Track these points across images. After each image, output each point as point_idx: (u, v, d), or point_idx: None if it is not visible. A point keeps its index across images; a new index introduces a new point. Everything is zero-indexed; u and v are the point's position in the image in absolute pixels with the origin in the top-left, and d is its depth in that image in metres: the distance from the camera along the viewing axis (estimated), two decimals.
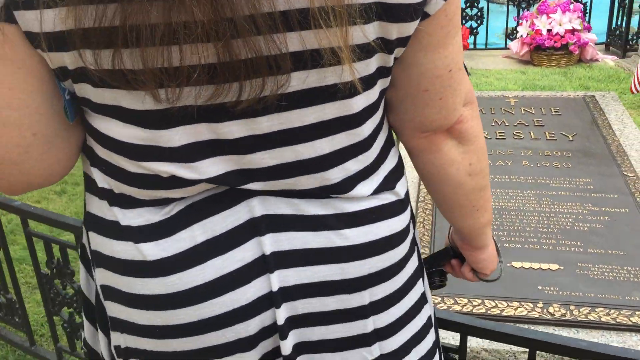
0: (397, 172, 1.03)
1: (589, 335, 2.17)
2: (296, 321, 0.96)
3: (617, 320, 2.19)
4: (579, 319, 2.21)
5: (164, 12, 0.73)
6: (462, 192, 1.07)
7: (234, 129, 0.86)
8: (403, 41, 0.85)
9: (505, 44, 5.92)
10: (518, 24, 5.68)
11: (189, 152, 0.87)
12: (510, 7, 5.85)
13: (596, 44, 5.51)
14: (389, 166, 1.00)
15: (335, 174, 0.92)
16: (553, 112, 4.00)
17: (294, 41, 0.79)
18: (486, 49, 5.96)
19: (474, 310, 2.28)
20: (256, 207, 0.92)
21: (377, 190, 0.96)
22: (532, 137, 3.64)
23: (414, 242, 1.06)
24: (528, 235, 2.69)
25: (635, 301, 2.26)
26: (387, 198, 0.97)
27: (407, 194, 1.04)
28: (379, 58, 0.86)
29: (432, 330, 1.11)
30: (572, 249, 2.58)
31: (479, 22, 5.79)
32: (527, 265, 2.49)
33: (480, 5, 5.74)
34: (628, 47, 5.46)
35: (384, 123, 0.99)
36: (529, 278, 2.42)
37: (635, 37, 5.48)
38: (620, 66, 5.28)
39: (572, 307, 2.26)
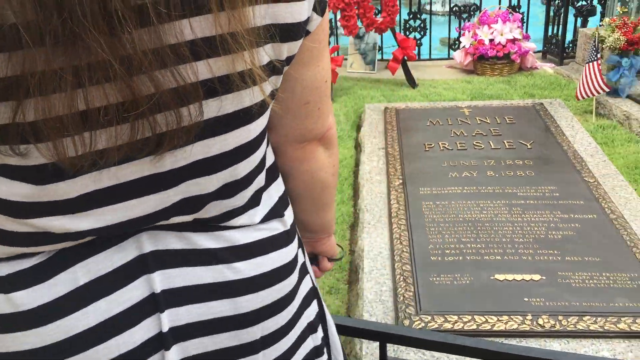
0: (284, 199, 1.04)
1: (579, 344, 2.18)
2: None
3: (605, 327, 2.21)
4: (568, 329, 2.22)
5: (66, 56, 0.68)
6: (329, 191, 1.16)
7: (135, 170, 0.81)
8: (289, 60, 0.88)
9: (449, 54, 6.03)
10: (460, 34, 5.80)
11: (84, 202, 0.81)
12: (452, 18, 5.96)
13: (534, 52, 5.70)
14: (277, 192, 1.02)
15: (232, 202, 0.92)
16: (507, 121, 4.08)
17: (203, 69, 0.77)
18: (430, 59, 6.04)
19: (465, 327, 2.26)
20: (145, 243, 0.87)
21: (267, 218, 0.97)
22: (492, 147, 3.70)
23: (304, 270, 1.06)
24: (506, 246, 2.70)
25: (620, 307, 2.29)
26: (276, 228, 0.98)
27: (293, 222, 1.05)
28: (273, 80, 0.87)
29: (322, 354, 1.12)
30: (550, 258, 2.60)
31: (422, 33, 5.87)
32: (510, 277, 2.50)
33: (422, 17, 5.81)
34: (565, 54, 5.67)
35: (269, 146, 1.00)
36: (514, 290, 2.42)
37: (570, 45, 5.70)
38: (559, 73, 5.48)
39: (560, 318, 2.27)
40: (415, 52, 5.57)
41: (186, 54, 0.75)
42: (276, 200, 1.00)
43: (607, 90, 4.20)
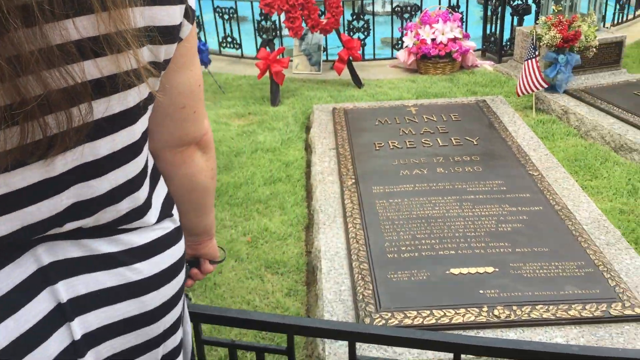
0: (170, 198, 1.10)
1: (534, 333, 2.26)
2: None
3: (557, 315, 2.30)
4: (522, 318, 2.30)
5: None
6: (208, 193, 1.21)
7: (26, 175, 0.81)
8: (166, 63, 0.93)
9: (392, 54, 6.12)
10: (403, 34, 5.90)
11: None
12: (394, 18, 6.05)
13: (474, 50, 5.86)
14: (162, 193, 1.07)
15: (125, 205, 0.95)
16: (453, 118, 4.18)
17: (91, 68, 0.79)
18: (374, 59, 6.12)
19: (425, 322, 2.30)
20: (42, 255, 0.88)
21: (160, 218, 1.03)
22: (440, 144, 3.78)
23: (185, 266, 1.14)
24: (459, 240, 2.76)
25: (570, 294, 2.39)
26: (168, 226, 1.05)
27: (179, 219, 1.12)
28: (152, 83, 0.91)
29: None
30: (501, 250, 2.68)
31: (365, 33, 5.94)
32: (464, 271, 2.56)
33: (366, 18, 5.88)
34: (503, 52, 5.85)
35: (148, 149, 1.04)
36: (469, 283, 2.48)
37: (508, 43, 5.89)
38: (499, 71, 5.65)
39: (514, 308, 2.34)
40: (360, 52, 5.62)
41: (73, 53, 0.76)
42: (163, 200, 1.06)
43: (546, 86, 4.36)
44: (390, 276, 2.55)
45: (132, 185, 0.95)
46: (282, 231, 3.18)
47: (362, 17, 5.88)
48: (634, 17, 7.12)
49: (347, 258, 2.74)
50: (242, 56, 6.41)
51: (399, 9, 5.91)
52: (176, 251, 1.05)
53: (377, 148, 3.78)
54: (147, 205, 1.00)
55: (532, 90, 4.38)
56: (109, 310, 0.94)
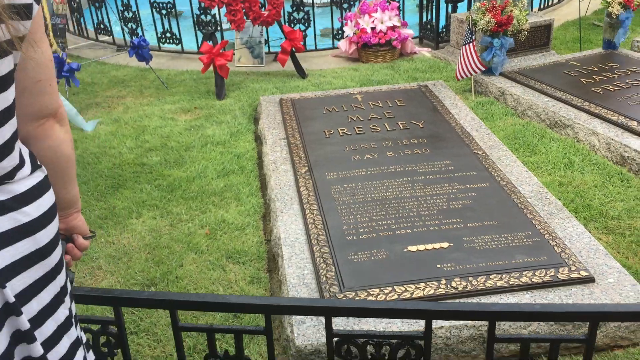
0: (33, 154, 1.25)
1: (490, 300, 2.39)
2: (19, 299, 1.15)
3: (510, 282, 2.44)
4: (478, 288, 2.42)
5: None
6: (71, 163, 1.36)
7: None
8: (23, 39, 1.09)
9: (333, 44, 6.21)
10: (343, 24, 5.99)
11: None
12: (334, 9, 6.13)
13: (413, 38, 6.01)
14: (27, 150, 1.23)
15: (8, 163, 1.13)
16: (398, 104, 4.30)
17: None
18: (316, 50, 6.18)
19: (387, 298, 2.39)
20: None
21: (33, 170, 1.21)
22: (388, 129, 3.89)
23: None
24: (413, 219, 2.87)
25: (520, 263, 2.53)
26: (40, 176, 1.23)
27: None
28: (15, 55, 1.09)
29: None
30: (454, 226, 2.81)
31: (306, 24, 5.99)
32: (421, 247, 2.67)
33: (305, 9, 5.93)
34: (439, 39, 6.03)
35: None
36: (427, 259, 2.59)
37: (444, 30, 6.07)
38: (437, 56, 5.83)
39: (470, 279, 2.46)
40: (302, 43, 5.67)
41: None
42: (30, 155, 1.22)
43: (483, 69, 4.54)
44: (351, 257, 2.63)
45: (10, 145, 1.12)
46: (240, 221, 3.21)
47: (302, 8, 5.93)
48: (559, 1, 7.46)
49: (307, 243, 2.80)
50: (182, 51, 6.35)
51: None
52: (51, 195, 1.24)
53: (327, 136, 3.85)
54: (22, 161, 1.17)
55: (471, 74, 4.56)
56: (11, 250, 1.13)
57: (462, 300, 2.40)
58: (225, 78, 5.03)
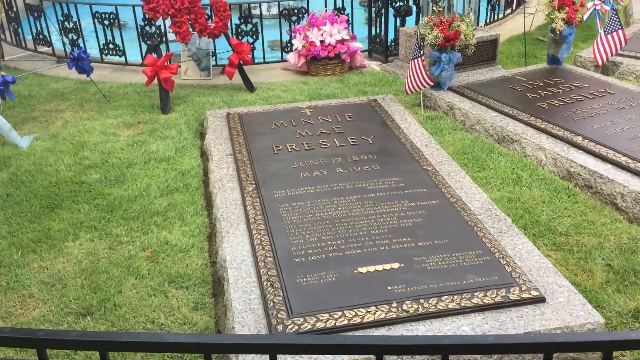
0: None
1: (442, 324, 2.33)
2: None
3: (462, 304, 2.39)
4: (430, 310, 2.36)
5: None
6: None
7: None
8: None
9: (282, 56, 6.12)
10: (292, 37, 5.92)
11: None
12: (281, 21, 6.05)
13: (362, 51, 5.99)
14: None
15: None
16: (348, 119, 4.24)
17: None
18: (264, 62, 6.08)
19: (337, 324, 2.30)
20: None
21: None
22: (338, 145, 3.82)
23: None
24: (364, 239, 2.80)
25: (471, 283, 2.49)
26: None
27: None
28: None
29: None
30: (405, 246, 2.75)
31: (254, 37, 5.89)
32: (372, 269, 2.59)
33: (253, 21, 5.84)
34: (388, 52, 6.03)
35: None
36: (377, 281, 2.52)
37: (393, 44, 6.07)
38: (386, 70, 5.82)
39: (422, 301, 2.40)
40: (250, 56, 5.56)
41: None
42: None
43: (432, 84, 4.54)
44: (300, 280, 2.53)
45: None
46: (184, 243, 3.07)
47: (249, 20, 5.83)
48: (504, 17, 7.60)
49: (254, 265, 2.69)
50: (126, 63, 6.14)
51: (286, 12, 5.92)
52: None
53: (276, 152, 3.75)
54: None
55: (420, 88, 4.55)
56: None
57: (413, 324, 2.33)
58: (171, 91, 4.87)
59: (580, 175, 3.49)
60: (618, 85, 4.65)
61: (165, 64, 4.79)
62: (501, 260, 2.63)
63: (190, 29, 4.92)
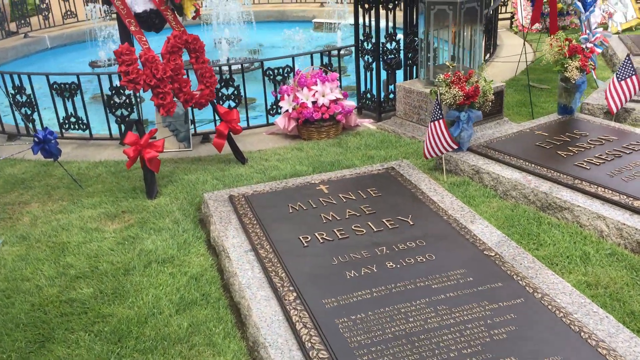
0: None
1: None
2: None
3: None
4: None
5: None
6: None
7: None
8: None
9: (267, 120, 5.60)
10: (278, 98, 5.42)
11: None
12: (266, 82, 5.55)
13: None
14: None
15: None
16: (373, 194, 3.73)
17: None
18: (248, 127, 5.53)
19: None
20: None
21: None
22: (375, 230, 3.29)
23: None
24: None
25: None
26: None
27: None
28: None
29: None
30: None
31: (236, 101, 5.36)
32: None
33: (236, 84, 5.30)
34: (381, 109, 5.61)
35: None
36: None
37: (384, 100, 5.66)
38: (383, 129, 5.38)
39: None
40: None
41: None
42: None
43: (456, 147, 4.11)
44: None
45: None
46: None
47: (231, 83, 5.29)
48: (485, 62, 7.38)
49: None
50: (91, 137, 5.46)
51: (270, 72, 5.42)
52: None
53: (305, 244, 3.18)
54: None
55: (442, 152, 4.11)
56: None
57: None
58: (157, 172, 4.24)
59: None
60: None
61: (150, 141, 4.17)
62: None
63: (175, 100, 4.34)
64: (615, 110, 4.86)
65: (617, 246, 3.25)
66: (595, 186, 3.59)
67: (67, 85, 5.28)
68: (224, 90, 5.29)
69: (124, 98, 5.22)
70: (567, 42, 4.73)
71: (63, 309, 2.96)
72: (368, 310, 2.60)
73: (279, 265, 3.01)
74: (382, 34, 5.48)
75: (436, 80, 4.21)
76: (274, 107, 5.55)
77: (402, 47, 5.59)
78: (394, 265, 2.93)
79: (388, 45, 5.51)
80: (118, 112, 5.27)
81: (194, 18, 4.47)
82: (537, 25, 9.44)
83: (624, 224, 3.24)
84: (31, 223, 3.91)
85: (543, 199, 3.67)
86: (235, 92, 5.34)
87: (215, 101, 4.69)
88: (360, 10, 5.48)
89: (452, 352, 2.32)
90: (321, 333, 2.48)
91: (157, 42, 4.42)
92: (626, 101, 4.87)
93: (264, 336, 2.53)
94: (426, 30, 4.94)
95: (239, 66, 5.58)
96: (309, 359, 2.35)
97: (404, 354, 2.32)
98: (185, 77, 4.34)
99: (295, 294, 2.76)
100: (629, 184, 3.58)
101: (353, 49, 5.87)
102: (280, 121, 5.32)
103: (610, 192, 3.51)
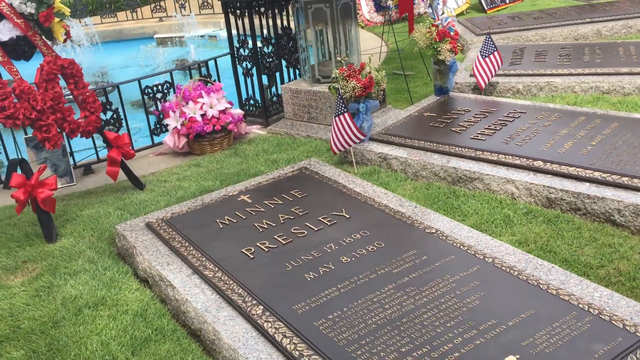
0: None
1: None
2: None
3: None
4: None
5: None
6: None
7: None
8: None
9: (152, 140, 5.32)
10: (163, 116, 5.17)
11: None
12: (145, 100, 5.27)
13: None
14: None
15: None
16: (299, 196, 3.70)
17: None
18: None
19: None
20: None
21: None
22: (315, 229, 3.26)
23: None
24: (447, 336, 2.33)
25: (603, 354, 2.17)
26: None
27: None
28: None
29: None
30: (497, 331, 2.34)
31: (118, 125, 5.02)
32: None
33: (113, 107, 4.97)
34: (267, 113, 5.58)
35: None
36: None
37: (272, 104, 5.64)
38: (275, 133, 5.36)
39: None
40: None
41: None
42: None
43: (363, 138, 4.21)
44: None
45: None
46: None
47: (109, 107, 4.95)
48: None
49: None
50: None
51: (149, 90, 5.15)
52: None
53: (252, 256, 3.08)
54: None
55: (349, 145, 4.19)
56: None
57: None
58: (53, 213, 3.85)
59: (564, 199, 3.42)
60: (520, 104, 4.80)
61: (40, 179, 3.77)
62: (602, 316, 2.35)
63: (59, 131, 3.97)
64: (484, 85, 5.29)
65: (530, 204, 3.54)
66: (496, 154, 3.89)
67: None
68: (102, 116, 4.93)
69: None
70: (434, 28, 5.06)
71: None
72: (342, 307, 2.58)
73: (232, 282, 2.88)
74: (258, 39, 5.46)
75: (332, 76, 4.29)
76: (159, 126, 5.29)
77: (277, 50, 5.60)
78: (349, 259, 2.94)
79: (265, 49, 5.50)
80: None
81: (64, 41, 4.13)
82: (380, 18, 9.99)
83: (532, 183, 3.55)
84: None
85: (453, 174, 3.90)
86: (115, 115, 5.01)
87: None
88: (232, 18, 5.40)
89: (438, 328, 2.39)
90: (305, 339, 2.42)
91: (24, 71, 4.00)
92: (492, 76, 5.32)
93: (244, 356, 2.41)
94: (305, 30, 5.01)
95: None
96: None
97: (394, 339, 2.35)
98: (67, 105, 3.99)
99: (262, 307, 2.66)
100: (524, 148, 3.92)
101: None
102: (169, 139, 5.08)
103: (510, 157, 3.82)
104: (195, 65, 5.49)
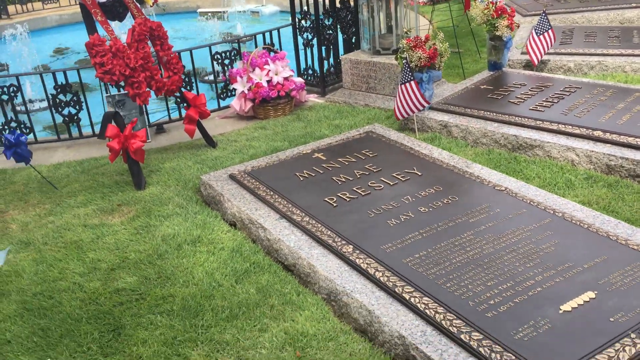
0: None
1: None
2: None
3: None
4: None
5: None
6: None
7: None
8: None
9: (219, 104, 5.62)
10: (228, 82, 5.46)
11: None
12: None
13: None
14: None
15: None
16: (370, 155, 3.97)
17: None
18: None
19: None
20: None
21: None
22: (391, 184, 3.54)
23: None
24: (528, 274, 2.60)
25: None
26: None
27: None
28: None
29: None
30: (575, 271, 2.61)
31: (188, 88, 5.32)
32: (573, 304, 2.41)
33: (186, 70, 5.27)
34: (325, 83, 5.84)
35: None
36: (591, 316, 2.34)
37: (329, 74, 5.90)
38: (333, 101, 5.63)
39: None
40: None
41: None
42: None
43: (427, 105, 4.46)
44: (515, 336, 2.26)
45: None
46: (324, 329, 2.57)
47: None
48: None
49: (441, 335, 2.34)
50: (36, 141, 5.16)
51: (218, 55, 5.44)
52: None
53: (335, 205, 3.37)
54: None
55: (413, 112, 4.45)
56: None
57: None
58: (142, 163, 4.17)
59: (623, 166, 3.66)
60: (575, 79, 5.01)
61: (132, 131, 4.08)
62: None
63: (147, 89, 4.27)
64: (537, 62, 5.50)
65: (590, 171, 3.78)
66: (556, 124, 4.12)
67: (4, 88, 4.93)
68: None
69: (69, 96, 5.00)
70: (492, 5, 5.27)
71: (116, 299, 2.91)
72: (428, 248, 2.87)
73: (320, 225, 3.17)
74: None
75: (399, 46, 4.52)
76: (225, 91, 5.58)
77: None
78: (427, 210, 3.22)
79: (326, 21, 5.75)
80: (65, 111, 5.03)
81: (151, 6, 4.42)
82: None
83: (592, 151, 3.78)
84: (22, 229, 3.70)
85: (514, 141, 4.14)
86: (187, 79, 5.30)
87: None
88: None
89: (519, 268, 2.66)
90: (396, 272, 2.71)
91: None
92: (545, 53, 5.52)
93: (341, 285, 2.71)
94: (367, 5, 5.24)
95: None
96: (394, 294, 2.58)
97: (479, 275, 2.62)
98: (154, 64, 4.29)
99: (352, 246, 2.95)
100: (583, 119, 4.15)
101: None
102: (236, 103, 5.38)
103: (570, 127, 4.06)
104: (261, 34, 5.75)
